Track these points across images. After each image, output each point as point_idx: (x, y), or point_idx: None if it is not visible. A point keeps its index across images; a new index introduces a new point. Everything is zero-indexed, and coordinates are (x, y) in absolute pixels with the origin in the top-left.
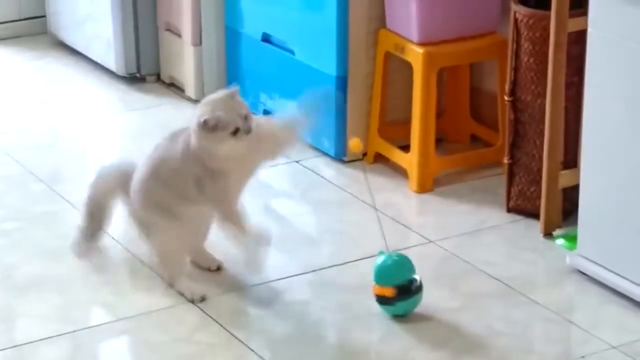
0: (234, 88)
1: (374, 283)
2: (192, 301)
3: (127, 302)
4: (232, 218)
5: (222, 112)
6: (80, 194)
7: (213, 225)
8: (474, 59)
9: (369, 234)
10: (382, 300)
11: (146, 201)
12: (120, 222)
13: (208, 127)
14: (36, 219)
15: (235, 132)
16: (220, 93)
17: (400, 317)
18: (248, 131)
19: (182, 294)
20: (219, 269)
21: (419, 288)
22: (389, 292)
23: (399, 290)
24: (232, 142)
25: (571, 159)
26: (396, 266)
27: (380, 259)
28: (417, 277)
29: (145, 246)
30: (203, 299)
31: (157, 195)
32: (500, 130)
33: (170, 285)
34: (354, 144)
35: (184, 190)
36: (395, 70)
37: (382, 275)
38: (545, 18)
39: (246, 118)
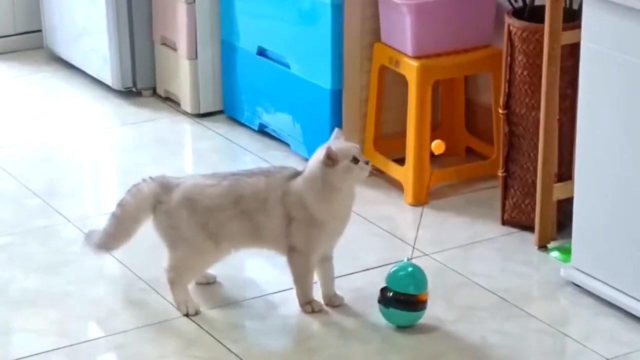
0: (338, 131)
1: (423, 291)
2: (187, 315)
3: (122, 316)
4: (304, 274)
5: (337, 145)
6: (75, 208)
7: None
8: (469, 71)
9: (364, 247)
10: (423, 306)
11: (197, 219)
12: None
13: (331, 158)
14: (31, 234)
15: (355, 161)
16: (328, 143)
17: (398, 329)
18: (367, 161)
19: (177, 306)
20: (213, 282)
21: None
22: (424, 296)
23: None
24: (355, 172)
25: (565, 172)
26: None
27: (412, 267)
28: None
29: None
30: (197, 313)
31: (217, 219)
32: (495, 142)
33: (170, 286)
34: (437, 146)
35: (259, 226)
36: (390, 83)
37: (422, 280)
38: (539, 31)
39: (360, 152)
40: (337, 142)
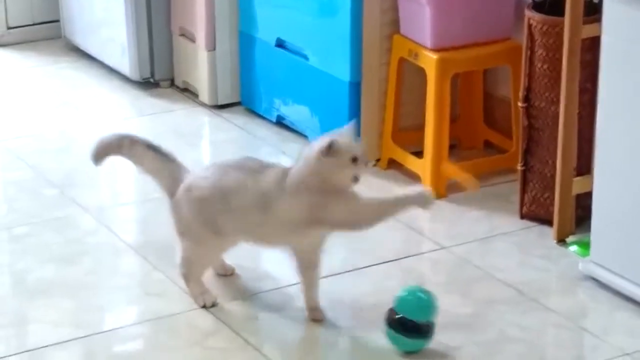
0: (351, 126)
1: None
2: (204, 306)
3: (139, 307)
4: (361, 217)
5: (343, 139)
6: (92, 198)
7: None
8: (488, 65)
9: (382, 240)
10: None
11: (195, 210)
12: (132, 227)
13: (330, 150)
14: (48, 224)
15: (354, 160)
16: (338, 130)
17: None
18: (367, 162)
19: (193, 299)
20: (232, 274)
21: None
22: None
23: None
24: (349, 170)
25: (584, 166)
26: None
27: (423, 294)
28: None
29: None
30: (214, 305)
31: (209, 212)
32: (514, 136)
33: (184, 281)
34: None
35: (249, 218)
36: (409, 76)
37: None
38: (559, 24)
39: (363, 153)
40: (344, 136)
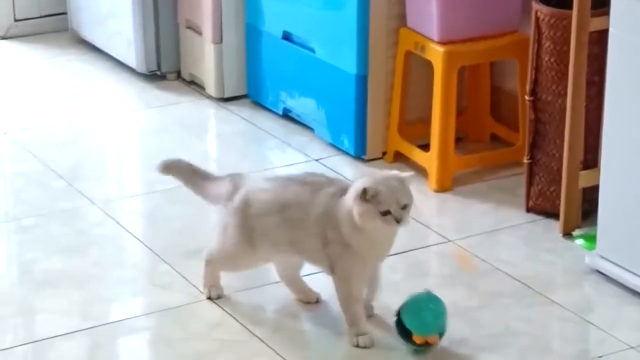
0: (409, 175)
1: (436, 336)
2: (209, 298)
3: (146, 298)
4: (347, 301)
5: (384, 188)
6: (99, 190)
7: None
8: (495, 58)
9: None
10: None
11: (247, 224)
12: (139, 219)
13: (365, 195)
14: (56, 216)
15: (386, 213)
16: (393, 173)
17: None
18: (399, 220)
19: (203, 285)
20: (317, 301)
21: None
22: (434, 340)
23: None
24: (378, 222)
25: (591, 159)
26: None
27: (431, 306)
28: None
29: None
30: (218, 297)
31: (264, 225)
32: (521, 129)
33: (204, 264)
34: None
35: (299, 235)
36: (416, 69)
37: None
38: (567, 17)
39: (404, 208)
40: (395, 184)
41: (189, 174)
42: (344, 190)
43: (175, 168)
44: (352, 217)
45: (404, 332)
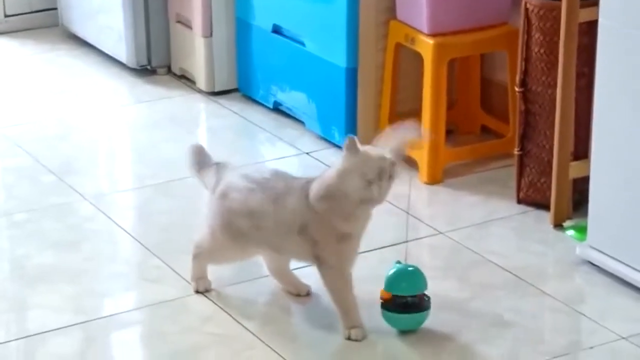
0: (351, 140)
1: (390, 293)
2: (197, 291)
3: (137, 293)
4: (344, 291)
5: (370, 173)
6: (91, 185)
7: None
8: (485, 49)
9: (379, 226)
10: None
11: (226, 217)
12: (130, 214)
13: (350, 146)
14: (47, 211)
15: (370, 182)
16: (346, 155)
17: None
18: (395, 163)
19: (190, 279)
20: (308, 294)
21: (429, 304)
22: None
23: (418, 299)
24: (359, 185)
25: (582, 150)
26: (416, 275)
27: (399, 267)
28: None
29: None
30: (206, 291)
31: (239, 224)
32: (511, 121)
33: (192, 258)
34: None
35: (276, 240)
36: (406, 61)
37: (399, 281)
38: (556, 8)
39: (383, 155)
40: (371, 148)
41: (197, 163)
42: (307, 192)
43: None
44: (353, 208)
45: (404, 304)
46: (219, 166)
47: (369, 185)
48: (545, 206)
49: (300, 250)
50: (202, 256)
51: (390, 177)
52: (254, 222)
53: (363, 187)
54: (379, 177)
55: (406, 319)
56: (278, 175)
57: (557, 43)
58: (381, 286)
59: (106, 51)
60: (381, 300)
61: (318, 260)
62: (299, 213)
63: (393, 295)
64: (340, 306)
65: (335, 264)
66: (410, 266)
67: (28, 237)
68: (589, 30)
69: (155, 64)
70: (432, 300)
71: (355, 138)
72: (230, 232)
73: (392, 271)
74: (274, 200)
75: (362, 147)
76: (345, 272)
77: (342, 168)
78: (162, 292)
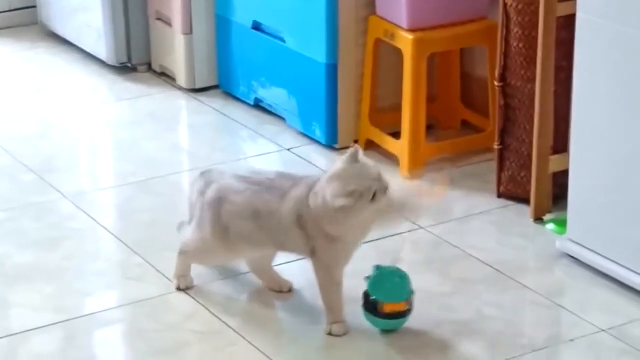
0: (354, 149)
1: (383, 302)
2: (178, 288)
3: (119, 290)
4: (330, 289)
5: (354, 184)
6: (71, 183)
7: None
8: (464, 44)
9: None
10: (395, 315)
11: (220, 220)
12: (111, 211)
13: (347, 207)
14: (27, 209)
15: (374, 196)
16: (344, 161)
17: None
18: (385, 189)
19: (173, 274)
20: (290, 290)
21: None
22: (401, 307)
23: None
24: (373, 206)
25: (561, 144)
26: (405, 280)
27: (385, 274)
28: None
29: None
30: (187, 288)
31: (238, 226)
32: (491, 115)
33: (177, 255)
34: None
35: (280, 236)
36: (386, 56)
37: (394, 291)
38: (535, 2)
39: (379, 176)
40: (356, 168)
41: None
42: (311, 187)
43: None
44: (333, 213)
45: (372, 305)
46: (205, 173)
47: (348, 195)
48: (525, 200)
49: (300, 243)
50: (189, 255)
51: (373, 200)
52: (259, 222)
53: (341, 195)
54: (361, 194)
55: (395, 323)
56: (283, 175)
57: (535, 37)
58: (361, 282)
59: (86, 49)
60: (395, 311)
61: (313, 253)
62: (297, 202)
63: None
64: (325, 301)
65: (325, 261)
66: (394, 271)
67: (7, 236)
68: (567, 24)
69: (135, 61)
70: (413, 295)
71: (360, 150)
72: (224, 236)
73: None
74: (280, 196)
75: (362, 160)
76: (334, 272)
77: (332, 172)
78: (144, 290)
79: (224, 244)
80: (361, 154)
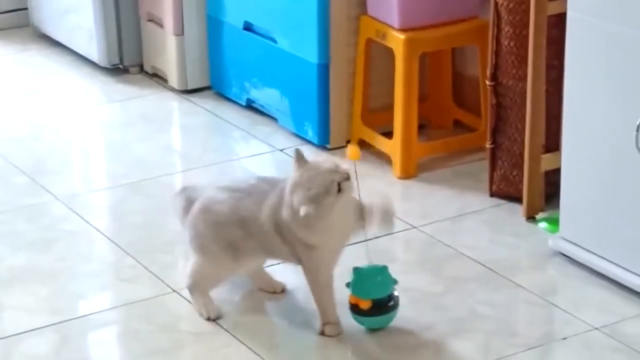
0: (298, 151)
1: (350, 293)
2: (208, 318)
3: (112, 292)
4: (322, 291)
5: (315, 187)
6: (64, 185)
7: None
8: (456, 43)
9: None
10: (355, 310)
11: (211, 232)
12: (104, 213)
13: (317, 210)
14: (19, 212)
15: (339, 188)
16: (295, 167)
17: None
18: (347, 176)
19: (197, 311)
20: (283, 291)
21: (396, 305)
22: (364, 304)
23: (375, 304)
24: (343, 198)
25: (553, 143)
26: (379, 280)
27: (362, 271)
28: (396, 293)
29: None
30: (218, 317)
31: (228, 236)
32: (483, 115)
33: (189, 292)
34: (352, 152)
35: (268, 245)
36: (378, 56)
37: (361, 287)
38: (525, 1)
39: (336, 167)
40: (311, 169)
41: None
42: (281, 196)
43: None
44: (306, 222)
45: (355, 305)
46: (187, 189)
47: (313, 201)
48: (517, 199)
49: (284, 250)
50: (198, 285)
51: (340, 191)
52: (246, 230)
53: (306, 202)
54: (326, 191)
55: (379, 319)
56: (266, 179)
57: (526, 36)
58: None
59: (78, 50)
60: (358, 308)
61: (299, 260)
62: (273, 210)
63: (372, 300)
64: (318, 303)
65: (309, 267)
66: (372, 269)
67: (0, 238)
68: (558, 22)
69: (127, 62)
70: (406, 295)
71: (301, 150)
72: (221, 243)
73: (363, 279)
74: (260, 201)
75: (313, 158)
76: (321, 276)
77: (291, 182)
78: (137, 292)
79: (223, 251)
80: (305, 152)
